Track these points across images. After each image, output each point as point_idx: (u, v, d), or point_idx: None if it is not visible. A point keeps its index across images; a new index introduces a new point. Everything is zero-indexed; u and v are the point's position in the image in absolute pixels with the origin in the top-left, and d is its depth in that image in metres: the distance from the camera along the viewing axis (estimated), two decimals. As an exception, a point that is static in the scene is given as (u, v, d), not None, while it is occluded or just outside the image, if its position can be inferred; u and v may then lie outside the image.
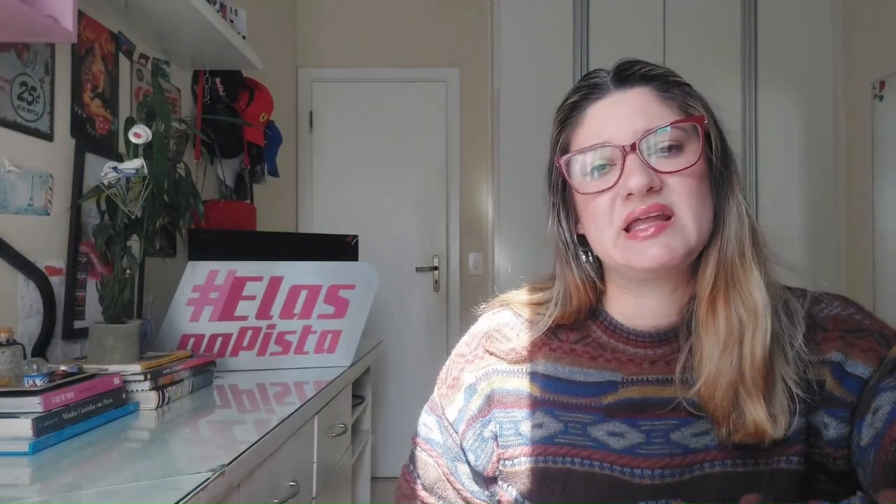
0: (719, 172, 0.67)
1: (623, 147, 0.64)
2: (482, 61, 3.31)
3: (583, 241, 0.73)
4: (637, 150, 0.64)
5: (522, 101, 2.92)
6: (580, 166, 0.67)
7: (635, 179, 0.62)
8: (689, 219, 0.64)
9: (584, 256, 0.73)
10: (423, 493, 0.78)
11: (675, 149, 0.64)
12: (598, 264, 0.74)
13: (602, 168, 0.66)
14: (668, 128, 0.64)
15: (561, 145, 0.71)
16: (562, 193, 0.73)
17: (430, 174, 3.38)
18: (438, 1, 3.37)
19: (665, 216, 0.64)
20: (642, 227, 0.64)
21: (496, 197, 3.03)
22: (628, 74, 0.68)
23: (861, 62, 2.78)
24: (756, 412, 0.60)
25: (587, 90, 0.69)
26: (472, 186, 3.39)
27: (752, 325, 0.62)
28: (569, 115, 0.71)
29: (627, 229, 0.65)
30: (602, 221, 0.66)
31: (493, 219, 3.11)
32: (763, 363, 0.61)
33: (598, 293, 0.74)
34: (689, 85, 0.69)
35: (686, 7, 2.89)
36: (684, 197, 0.64)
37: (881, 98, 2.64)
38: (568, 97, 0.71)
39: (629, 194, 0.63)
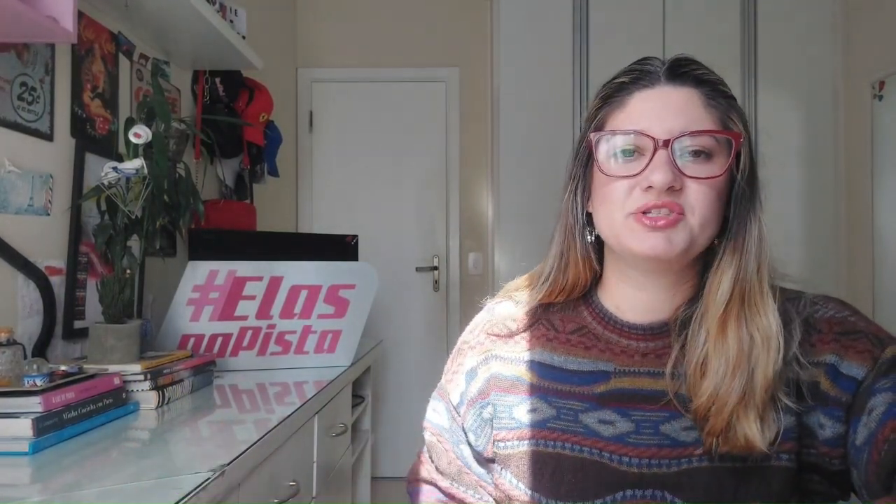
0: (743, 191, 0.68)
1: (657, 140, 0.65)
2: (482, 61, 3.31)
3: (589, 219, 0.75)
4: (669, 148, 0.64)
5: (522, 101, 2.92)
6: (610, 146, 0.68)
7: (659, 175, 0.64)
8: (698, 223, 0.65)
9: (588, 236, 0.75)
10: (436, 476, 0.82)
11: (704, 156, 0.65)
12: (599, 247, 0.76)
13: (630, 154, 0.67)
14: (705, 135, 0.65)
15: (597, 121, 0.72)
16: (584, 167, 0.74)
17: (429, 174, 3.38)
18: (438, 1, 3.37)
19: (675, 213, 0.65)
20: (653, 215, 0.65)
21: (496, 197, 3.03)
22: (683, 72, 0.69)
23: (861, 62, 2.78)
24: (750, 429, 0.61)
25: (638, 75, 0.70)
26: (471, 186, 3.39)
27: (766, 350, 0.63)
28: (613, 94, 0.71)
29: (636, 213, 0.66)
30: (615, 204, 0.68)
31: (493, 219, 3.11)
32: (770, 386, 0.62)
33: (595, 275, 0.76)
34: (734, 98, 0.70)
35: (686, 7, 2.89)
36: (699, 203, 0.65)
37: (881, 98, 2.64)
38: (616, 76, 0.72)
39: (649, 187, 0.64)
